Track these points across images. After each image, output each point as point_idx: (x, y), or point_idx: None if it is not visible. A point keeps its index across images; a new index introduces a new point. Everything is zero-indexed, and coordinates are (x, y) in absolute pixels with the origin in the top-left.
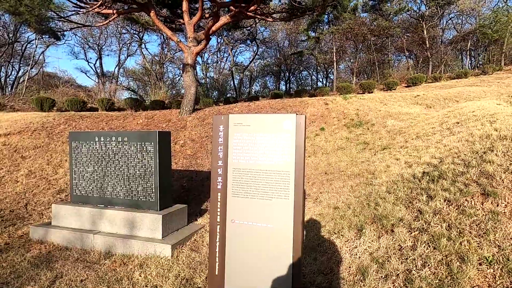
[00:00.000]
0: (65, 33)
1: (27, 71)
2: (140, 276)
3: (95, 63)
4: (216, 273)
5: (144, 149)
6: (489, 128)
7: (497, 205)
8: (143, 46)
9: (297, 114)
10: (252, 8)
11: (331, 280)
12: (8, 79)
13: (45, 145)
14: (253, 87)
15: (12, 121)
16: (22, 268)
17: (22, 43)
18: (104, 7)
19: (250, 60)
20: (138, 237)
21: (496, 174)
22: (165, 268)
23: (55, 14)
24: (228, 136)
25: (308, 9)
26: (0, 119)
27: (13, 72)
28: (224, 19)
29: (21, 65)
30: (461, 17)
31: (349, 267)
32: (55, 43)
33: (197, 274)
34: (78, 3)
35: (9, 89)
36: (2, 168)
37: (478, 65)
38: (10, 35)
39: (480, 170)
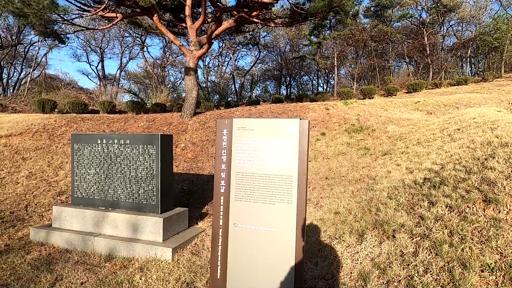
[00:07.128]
0: (68, 35)
1: (29, 73)
2: (140, 279)
3: (97, 65)
4: (218, 277)
5: (147, 152)
6: (490, 135)
7: (499, 212)
8: (145, 49)
9: (300, 119)
10: (254, 13)
11: (332, 286)
12: (10, 80)
13: (46, 146)
14: (254, 91)
15: (13, 122)
16: (22, 270)
17: (25, 45)
18: (107, 10)
19: (252, 64)
20: (139, 240)
21: (497, 181)
22: (166, 272)
23: (59, 17)
24: (231, 140)
25: (310, 15)
26: (2, 121)
27: (15, 74)
28: (226, 23)
29: (23, 67)
30: (461, 24)
31: (351, 273)
32: (58, 46)
33: (198, 278)
34: (83, 6)
35: (11, 90)
36: (3, 169)
37: (478, 72)
38: (13, 37)
39: (481, 177)
